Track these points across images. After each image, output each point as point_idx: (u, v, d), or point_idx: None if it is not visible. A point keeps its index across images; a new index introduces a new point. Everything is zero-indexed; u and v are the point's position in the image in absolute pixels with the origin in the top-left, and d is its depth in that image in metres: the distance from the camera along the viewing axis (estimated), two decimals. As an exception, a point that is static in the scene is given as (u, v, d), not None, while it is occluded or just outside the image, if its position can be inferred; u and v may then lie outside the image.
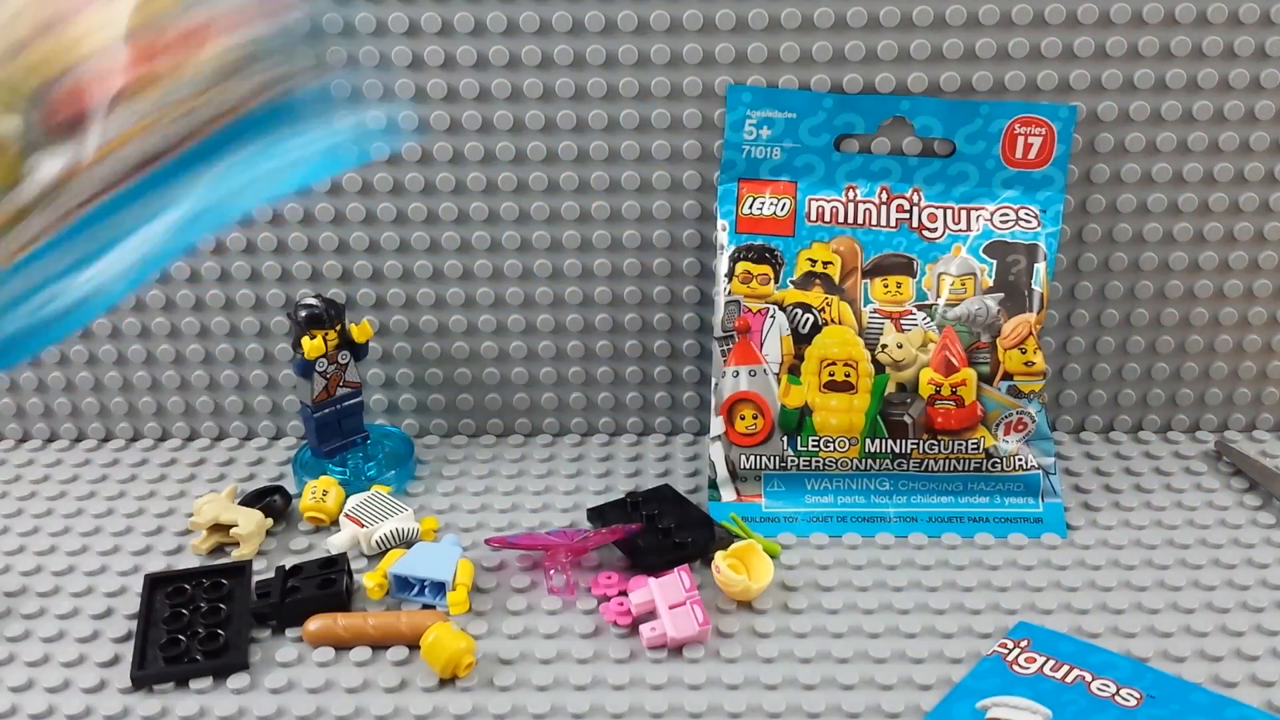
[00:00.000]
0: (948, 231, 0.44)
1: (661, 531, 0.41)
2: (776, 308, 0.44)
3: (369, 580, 0.39)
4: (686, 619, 0.37)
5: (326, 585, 0.39)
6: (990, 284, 0.44)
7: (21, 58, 0.26)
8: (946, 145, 0.45)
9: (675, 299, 0.48)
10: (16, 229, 0.28)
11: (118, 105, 0.27)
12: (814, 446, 0.43)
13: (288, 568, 0.40)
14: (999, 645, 0.36)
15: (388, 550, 0.42)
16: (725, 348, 0.44)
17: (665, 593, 0.37)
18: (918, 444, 0.43)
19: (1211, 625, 0.37)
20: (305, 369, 0.45)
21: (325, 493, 0.44)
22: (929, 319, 0.43)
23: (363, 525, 0.42)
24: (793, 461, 0.43)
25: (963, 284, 0.44)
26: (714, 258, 0.46)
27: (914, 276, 0.44)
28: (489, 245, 0.48)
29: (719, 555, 0.39)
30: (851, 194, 0.45)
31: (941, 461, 0.43)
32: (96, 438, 0.51)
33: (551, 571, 0.39)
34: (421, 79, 0.45)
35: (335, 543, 0.42)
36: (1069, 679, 0.34)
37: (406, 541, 0.42)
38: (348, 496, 0.44)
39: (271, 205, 0.47)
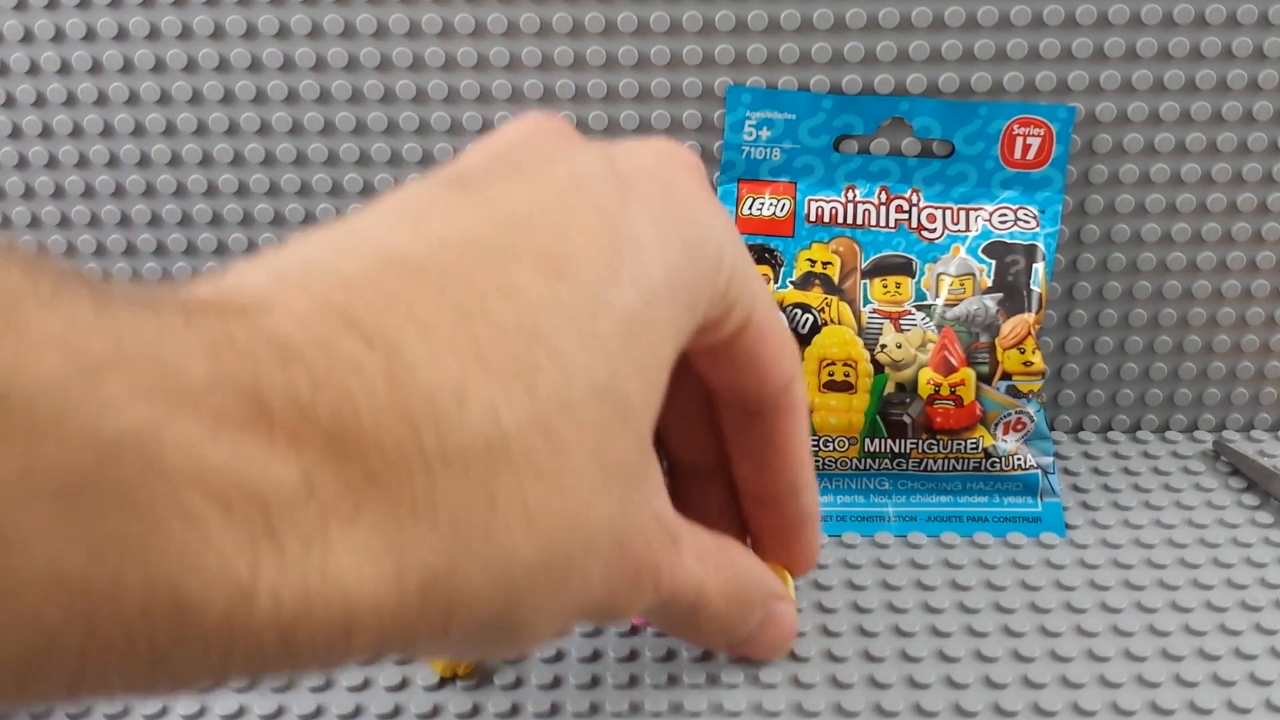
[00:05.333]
0: (947, 232, 0.45)
1: None
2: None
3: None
4: None
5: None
6: (989, 284, 0.44)
7: None
8: (945, 146, 0.45)
9: (675, 299, 0.48)
10: None
11: None
12: (813, 446, 0.43)
13: (289, 567, 0.40)
14: None
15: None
16: (725, 348, 0.44)
17: None
18: (917, 444, 0.43)
19: (1210, 624, 0.38)
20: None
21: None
22: (928, 319, 0.43)
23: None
24: (792, 461, 0.44)
25: (961, 284, 0.44)
26: (714, 258, 0.46)
27: (913, 277, 0.44)
28: (489, 246, 0.48)
29: None
30: (851, 195, 0.45)
31: (940, 461, 0.43)
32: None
33: None
34: (422, 80, 0.45)
35: None
36: None
37: None
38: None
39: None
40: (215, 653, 0.15)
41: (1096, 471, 0.47)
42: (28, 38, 0.45)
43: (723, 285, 0.22)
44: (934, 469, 0.43)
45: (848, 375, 0.43)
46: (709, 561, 0.25)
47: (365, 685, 0.36)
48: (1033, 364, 0.43)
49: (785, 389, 0.25)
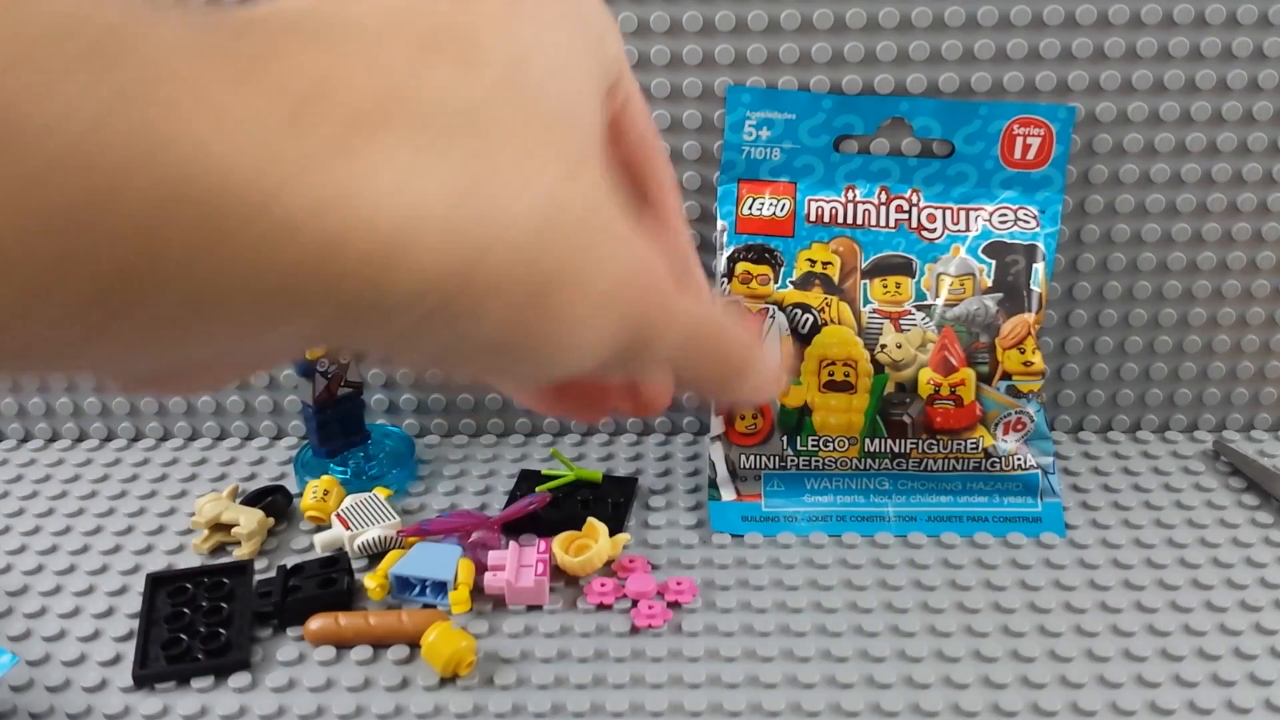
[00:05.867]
0: (946, 232, 0.45)
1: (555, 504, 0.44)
2: (776, 308, 0.44)
3: (370, 581, 0.39)
4: (528, 575, 0.39)
5: (328, 584, 0.39)
6: (989, 284, 0.44)
7: None
8: (945, 146, 0.45)
9: (675, 299, 0.48)
10: None
11: None
12: (813, 446, 0.43)
13: (289, 567, 0.40)
14: None
15: (369, 556, 0.42)
16: (725, 348, 0.44)
17: (523, 553, 0.40)
18: (917, 444, 0.43)
19: (1210, 624, 0.38)
20: (306, 369, 0.45)
21: (326, 492, 0.44)
22: (928, 319, 0.43)
23: (349, 528, 0.42)
24: (792, 461, 0.44)
25: (961, 284, 0.44)
26: (713, 258, 0.46)
27: (913, 277, 0.44)
28: (489, 246, 0.48)
29: (556, 541, 0.41)
30: (851, 194, 0.45)
31: (940, 461, 0.43)
32: (99, 437, 0.51)
33: (489, 550, 0.41)
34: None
35: (321, 540, 0.42)
36: None
37: (385, 551, 0.42)
38: (348, 496, 0.44)
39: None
40: (245, 259, 0.14)
41: (1096, 471, 0.47)
42: (28, 38, 0.45)
43: (611, 56, 0.23)
44: (934, 469, 0.43)
45: (848, 375, 0.43)
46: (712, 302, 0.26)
47: (366, 685, 0.36)
48: (1033, 364, 0.43)
49: (669, 186, 0.27)
